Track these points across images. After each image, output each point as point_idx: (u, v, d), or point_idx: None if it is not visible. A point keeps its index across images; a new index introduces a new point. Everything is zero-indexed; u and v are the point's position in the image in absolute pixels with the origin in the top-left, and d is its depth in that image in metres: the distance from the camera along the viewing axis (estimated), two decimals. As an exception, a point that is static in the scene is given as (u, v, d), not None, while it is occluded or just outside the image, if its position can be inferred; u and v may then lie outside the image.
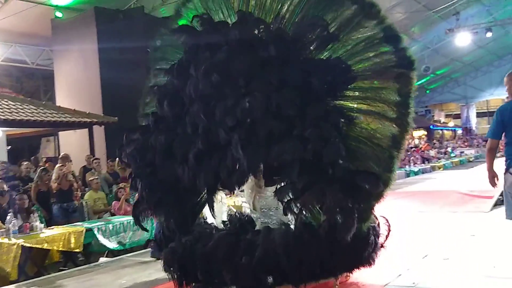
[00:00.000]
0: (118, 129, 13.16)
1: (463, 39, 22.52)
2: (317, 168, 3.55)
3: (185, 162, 3.90)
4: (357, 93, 3.93)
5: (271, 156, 3.61)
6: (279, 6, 4.05)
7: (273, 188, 3.90)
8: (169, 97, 4.11)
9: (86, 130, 12.88)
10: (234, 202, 6.95)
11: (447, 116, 38.76)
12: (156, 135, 4.08)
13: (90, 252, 7.06)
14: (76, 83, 14.72)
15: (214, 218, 4.15)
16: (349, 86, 3.88)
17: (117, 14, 14.45)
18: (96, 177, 9.55)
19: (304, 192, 3.55)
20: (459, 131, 38.19)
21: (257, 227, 4.03)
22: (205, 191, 4.03)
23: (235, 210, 4.29)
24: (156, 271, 5.59)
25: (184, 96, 3.98)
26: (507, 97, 8.61)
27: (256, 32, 3.97)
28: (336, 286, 4.06)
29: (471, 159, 21.16)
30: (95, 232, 6.82)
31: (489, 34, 22.29)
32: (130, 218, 7.53)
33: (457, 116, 38.96)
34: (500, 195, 8.22)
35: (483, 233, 6.19)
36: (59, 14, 14.45)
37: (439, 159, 22.17)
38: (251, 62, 3.81)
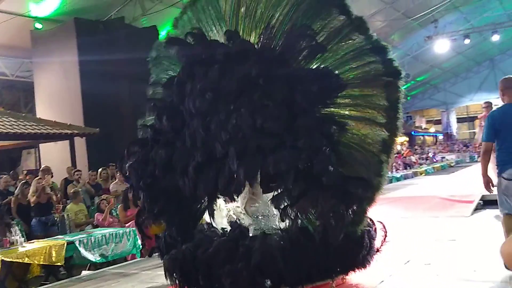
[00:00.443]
0: (100, 140, 13.09)
1: (441, 46, 22.90)
2: (311, 176, 3.72)
3: (185, 174, 4.07)
4: (348, 100, 4.09)
5: (267, 165, 3.76)
6: (270, 16, 4.17)
7: (263, 195, 4.18)
8: (168, 112, 4.31)
9: (67, 141, 12.76)
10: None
11: (428, 122, 39.20)
12: (156, 150, 4.24)
13: (72, 266, 6.96)
14: (56, 95, 14.60)
15: (213, 225, 4.33)
16: (340, 94, 4.04)
17: (97, 25, 14.40)
18: (79, 189, 9.46)
19: (299, 199, 3.75)
20: (440, 137, 38.64)
21: (250, 233, 4.16)
22: (207, 200, 4.23)
23: (235, 217, 4.46)
24: (139, 283, 5.55)
25: (184, 111, 4.17)
26: (485, 103, 8.88)
27: (241, 51, 4.11)
28: (333, 286, 4.15)
29: (452, 164, 21.40)
30: (77, 245, 6.73)
31: (467, 41, 22.69)
32: (112, 230, 7.49)
33: (438, 122, 39.45)
34: (480, 200, 8.35)
35: (463, 237, 6.26)
36: (38, 25, 14.35)
37: (421, 165, 22.38)
38: (238, 80, 3.96)
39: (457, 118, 37.95)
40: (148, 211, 4.37)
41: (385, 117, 4.04)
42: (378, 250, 4.39)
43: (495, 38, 23.24)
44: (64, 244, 6.61)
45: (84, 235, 7.12)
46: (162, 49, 4.74)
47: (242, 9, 4.27)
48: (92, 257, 6.88)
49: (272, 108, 3.83)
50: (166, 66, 4.75)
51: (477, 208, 8.12)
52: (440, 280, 4.53)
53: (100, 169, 10.77)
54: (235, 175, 3.85)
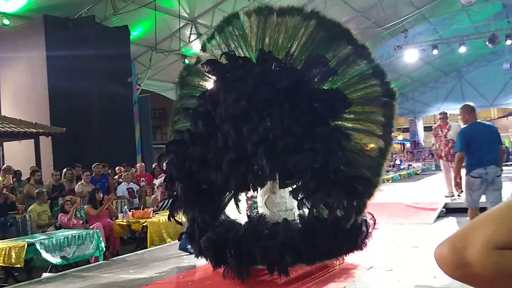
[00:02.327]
0: (66, 140, 12.86)
1: (411, 56, 23.27)
2: (324, 174, 4.62)
3: (218, 169, 4.88)
4: (352, 116, 5.08)
5: (289, 164, 4.63)
6: (289, 45, 5.09)
7: (281, 193, 5.14)
8: (203, 118, 5.09)
9: (32, 140, 12.48)
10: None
11: (396, 129, 39.72)
12: (193, 148, 5.06)
13: (32, 268, 6.80)
14: (22, 92, 14.28)
15: (240, 213, 5.16)
16: (346, 111, 5.00)
17: (66, 22, 14.15)
18: (44, 189, 9.25)
19: (315, 192, 4.63)
20: (408, 145, 39.25)
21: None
22: (232, 192, 5.04)
23: (253, 208, 5.46)
24: (101, 286, 5.47)
25: (216, 117, 4.93)
26: (441, 113, 9.28)
27: (273, 67, 4.99)
28: (337, 266, 5.22)
29: (418, 172, 21.67)
30: (37, 246, 6.55)
31: (435, 52, 23.11)
32: (75, 232, 7.35)
33: (406, 130, 40.09)
34: (443, 207, 8.53)
35: (426, 244, 6.37)
36: (6, 21, 13.99)
37: (388, 172, 22.61)
38: (270, 92, 4.80)
39: (424, 127, 38.61)
40: (184, 200, 5.17)
41: (382, 130, 5.00)
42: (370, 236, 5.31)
43: (462, 49, 23.76)
44: (24, 245, 6.45)
45: (45, 237, 6.96)
46: (191, 69, 5.73)
47: (267, 40, 5.15)
48: (53, 259, 6.70)
49: (298, 115, 4.69)
50: (196, 82, 5.64)
51: (440, 216, 8.29)
52: (401, 286, 4.61)
53: (64, 169, 10.57)
54: (261, 171, 4.75)
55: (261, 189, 5.22)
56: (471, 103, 6.51)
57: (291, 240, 4.64)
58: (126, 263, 6.68)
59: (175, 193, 5.27)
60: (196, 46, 17.86)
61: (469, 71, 33.82)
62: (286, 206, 5.16)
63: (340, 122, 5.02)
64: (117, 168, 12.25)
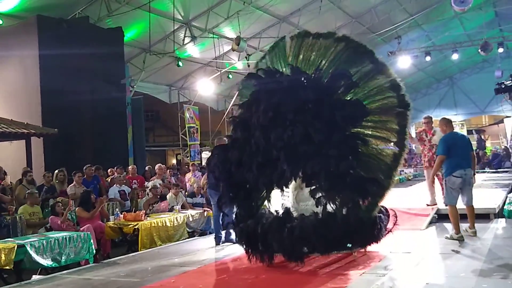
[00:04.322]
0: (58, 141, 12.74)
1: (404, 62, 23.28)
2: (337, 176, 5.36)
3: (250, 171, 5.73)
4: (370, 124, 5.78)
5: (307, 167, 5.48)
6: (319, 61, 5.92)
7: (307, 188, 5.79)
8: (241, 125, 6.03)
9: (23, 141, 12.35)
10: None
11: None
12: (232, 152, 5.94)
13: (22, 270, 6.71)
14: (14, 92, 14.12)
15: (270, 207, 6.00)
16: (364, 119, 5.71)
17: (60, 23, 14.04)
18: (36, 190, 9.15)
19: (329, 192, 5.45)
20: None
21: (296, 215, 5.87)
22: (266, 190, 5.91)
23: (287, 203, 6.20)
24: (91, 289, 5.42)
25: (252, 125, 5.81)
26: (425, 118, 9.21)
27: (301, 81, 5.81)
28: (355, 256, 5.90)
29: (410, 178, 21.68)
30: (28, 248, 6.47)
31: (428, 58, 23.20)
32: (66, 234, 7.27)
33: (398, 136, 40.14)
34: (435, 213, 8.54)
35: (418, 250, 6.38)
36: (-1, 21, 13.88)
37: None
38: (296, 103, 5.60)
39: (416, 133, 38.77)
40: (227, 196, 6.07)
41: (396, 137, 5.67)
42: (390, 231, 6.18)
43: (455, 56, 23.87)
44: (14, 247, 6.37)
45: (36, 239, 6.86)
46: (244, 82, 6.60)
47: (301, 56, 6.02)
48: (44, 261, 6.62)
49: (319, 125, 5.41)
50: (246, 94, 6.38)
51: (432, 222, 8.30)
52: (393, 292, 4.60)
53: (56, 171, 10.47)
54: (284, 173, 5.53)
55: (289, 187, 6.08)
56: (447, 117, 7.71)
57: (306, 233, 5.37)
58: (117, 266, 6.65)
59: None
60: (190, 49, 17.83)
61: (461, 78, 33.94)
62: (311, 199, 5.75)
63: (359, 129, 5.74)
64: (109, 170, 12.17)
